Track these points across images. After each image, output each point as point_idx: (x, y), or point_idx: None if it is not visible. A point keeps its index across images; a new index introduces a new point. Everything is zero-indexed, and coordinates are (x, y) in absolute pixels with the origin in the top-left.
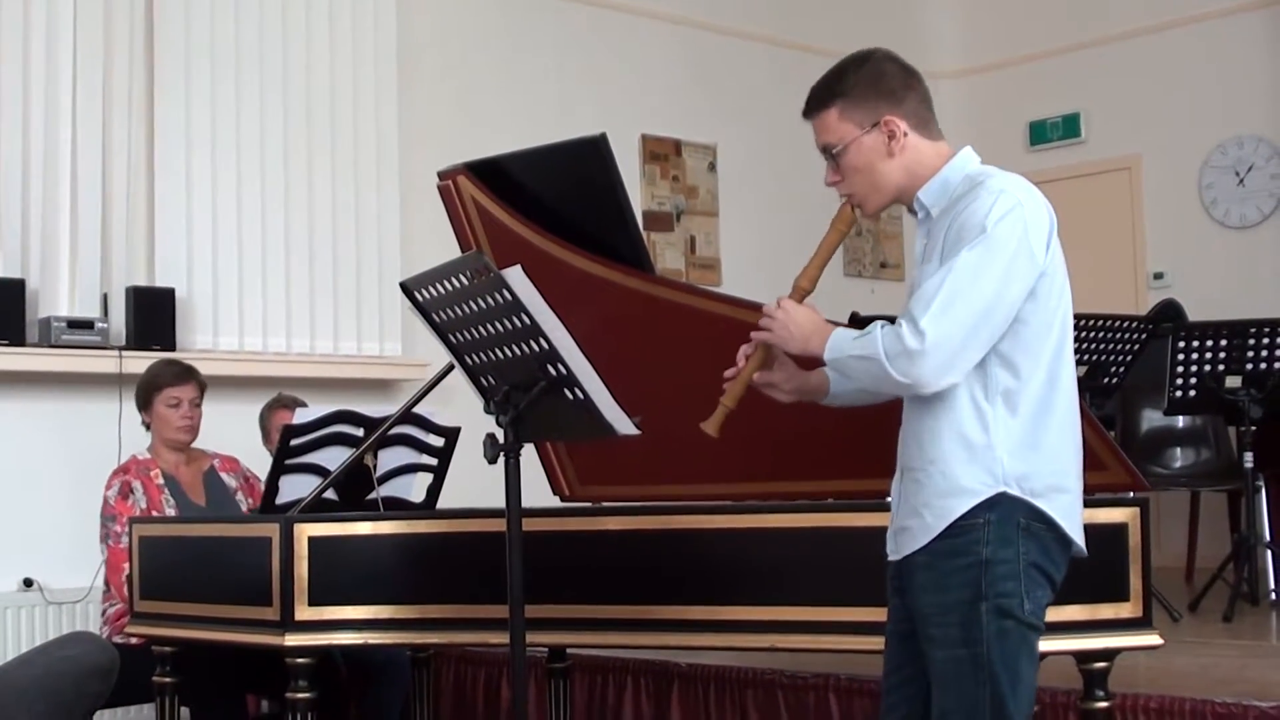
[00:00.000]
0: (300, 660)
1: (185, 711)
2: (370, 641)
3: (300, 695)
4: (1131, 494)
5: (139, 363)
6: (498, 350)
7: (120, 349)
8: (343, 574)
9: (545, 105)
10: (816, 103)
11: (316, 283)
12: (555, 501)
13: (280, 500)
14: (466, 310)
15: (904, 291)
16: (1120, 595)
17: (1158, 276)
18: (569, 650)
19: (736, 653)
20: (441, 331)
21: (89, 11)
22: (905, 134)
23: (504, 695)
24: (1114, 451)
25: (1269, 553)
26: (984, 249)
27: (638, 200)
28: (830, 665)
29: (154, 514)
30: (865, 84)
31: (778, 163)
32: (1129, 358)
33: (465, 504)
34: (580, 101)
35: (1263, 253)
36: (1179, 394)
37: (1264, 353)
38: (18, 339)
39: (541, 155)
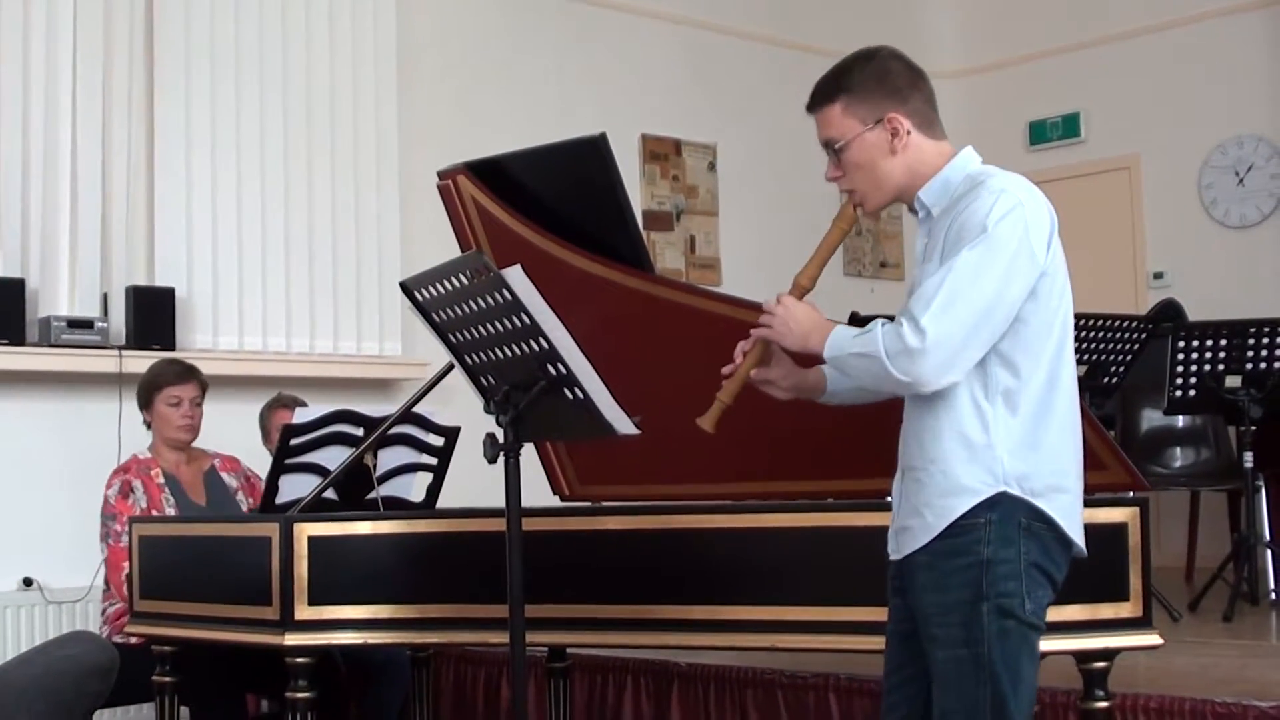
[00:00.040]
0: (300, 660)
1: (185, 711)
2: (370, 641)
3: (300, 695)
4: (1131, 494)
5: (139, 362)
6: (497, 350)
7: (120, 349)
8: (342, 574)
9: (545, 105)
10: (821, 97)
11: (316, 282)
12: (555, 501)
13: (280, 500)
14: (466, 310)
15: (904, 291)
16: (1120, 595)
17: (1157, 276)
18: (569, 650)
19: (736, 652)
20: (441, 331)
21: (89, 11)
22: (908, 132)
23: (504, 695)
24: (1114, 451)
25: (1269, 552)
26: (985, 248)
27: (638, 200)
28: (830, 665)
29: (154, 513)
30: (871, 80)
31: (778, 163)
32: (1129, 357)
33: (465, 504)
34: (580, 101)
35: (1262, 252)
36: (1179, 394)
37: (1264, 352)
38: (18, 338)
39: (541, 155)
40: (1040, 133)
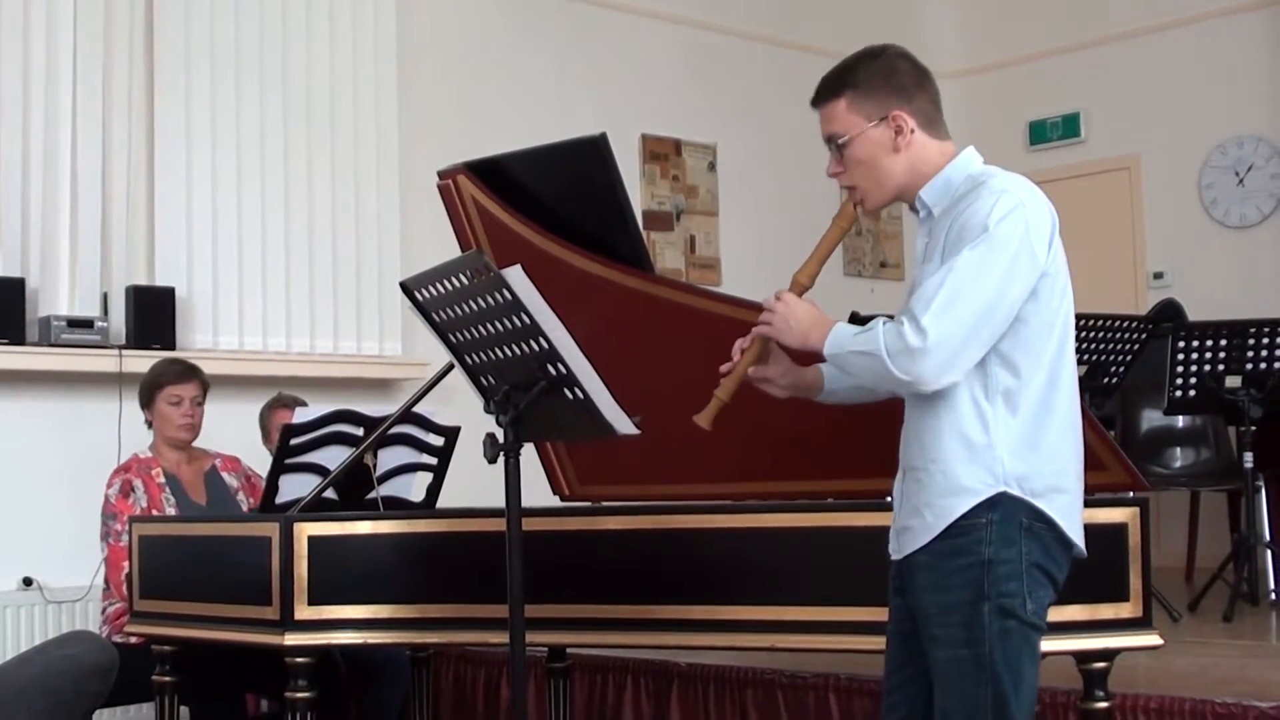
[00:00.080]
0: (300, 660)
1: (185, 711)
2: (370, 641)
3: (300, 695)
4: (1131, 494)
5: (139, 362)
6: (497, 350)
7: (120, 348)
8: (342, 573)
9: (545, 105)
10: (826, 92)
11: (316, 282)
12: (555, 501)
13: (280, 500)
14: (466, 310)
15: (904, 291)
16: (1120, 595)
17: (1157, 276)
18: (569, 650)
19: (736, 652)
20: (441, 331)
21: (89, 11)
22: (912, 131)
23: (504, 695)
24: (1114, 451)
25: (1269, 553)
26: (986, 248)
27: (638, 200)
28: (830, 665)
29: (154, 513)
30: (877, 77)
31: (778, 163)
32: (1129, 357)
33: (465, 504)
34: (580, 101)
35: (1262, 253)
36: (1179, 394)
37: (1264, 352)
38: (18, 338)
39: (541, 155)
40: (1040, 133)
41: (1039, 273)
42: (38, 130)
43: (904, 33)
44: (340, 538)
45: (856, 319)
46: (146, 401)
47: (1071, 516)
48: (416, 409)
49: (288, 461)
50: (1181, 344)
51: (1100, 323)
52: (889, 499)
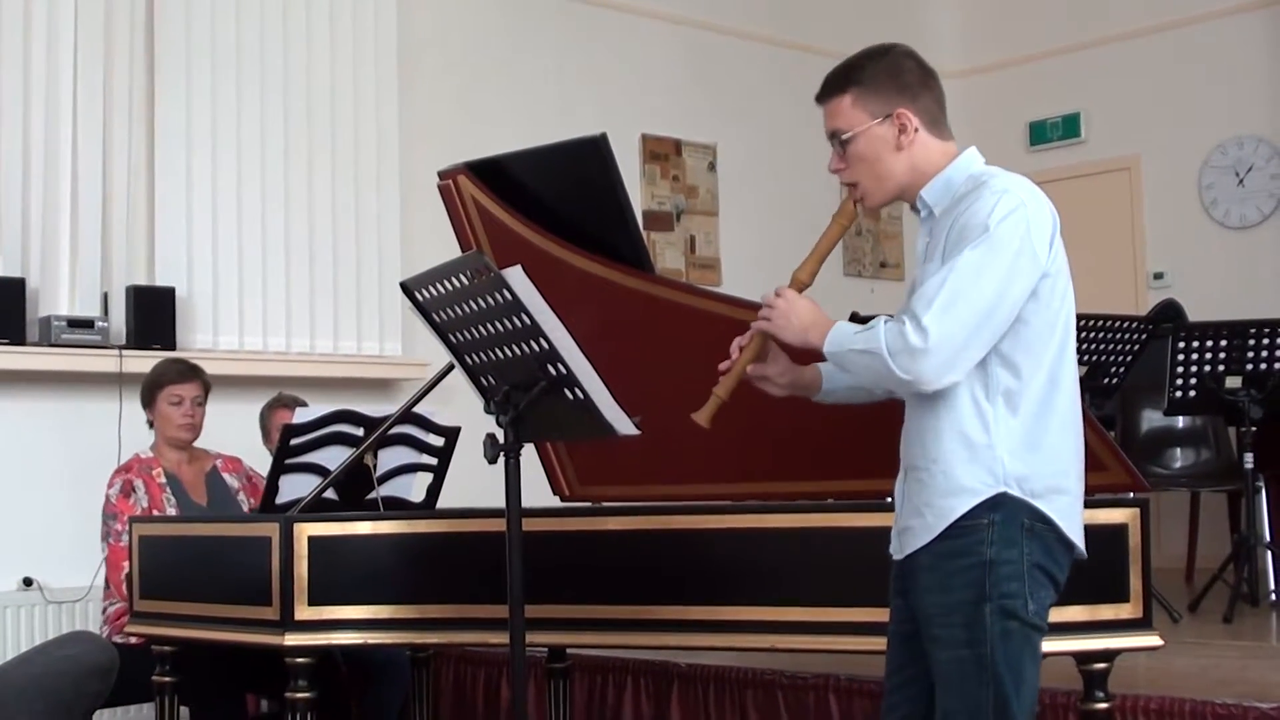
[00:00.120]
0: (300, 660)
1: (185, 711)
2: (370, 641)
3: (300, 695)
4: (1131, 494)
5: (139, 362)
6: (498, 350)
7: (120, 348)
8: (342, 574)
9: (545, 105)
10: (832, 87)
11: (316, 282)
12: (555, 501)
13: (280, 500)
14: (466, 310)
15: (904, 292)
16: (1120, 596)
17: (1158, 277)
18: (569, 650)
19: (736, 653)
20: (441, 331)
21: (89, 11)
22: (916, 130)
23: (504, 695)
24: (1114, 452)
25: (1269, 553)
26: (987, 248)
27: (638, 200)
28: (830, 666)
29: (155, 513)
30: (883, 75)
31: (778, 163)
32: (1129, 358)
33: (465, 504)
34: (580, 101)
35: (1263, 253)
36: (1179, 394)
37: (1264, 353)
38: (18, 338)
39: (542, 155)
40: (1040, 133)
41: (1040, 273)
42: (38, 130)
43: (904, 33)
44: (340, 538)
45: (856, 319)
46: (148, 401)
47: (1071, 517)
48: (417, 409)
49: (288, 461)
50: (1181, 344)
51: (1100, 323)
52: (889, 499)
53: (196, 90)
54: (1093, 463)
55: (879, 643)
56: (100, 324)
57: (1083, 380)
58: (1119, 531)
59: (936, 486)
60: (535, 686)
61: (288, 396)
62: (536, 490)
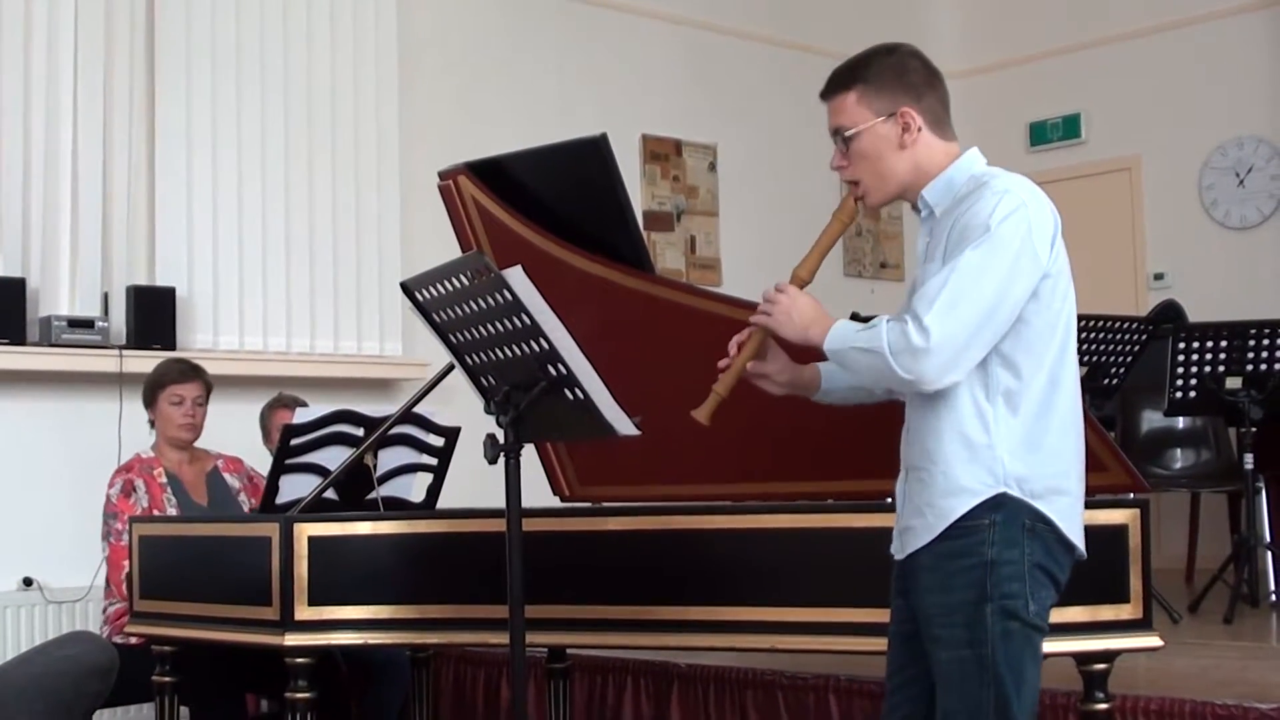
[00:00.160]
0: (300, 660)
1: (185, 711)
2: (370, 641)
3: (300, 695)
4: (1132, 495)
5: (139, 362)
6: (498, 350)
7: (121, 348)
8: (343, 574)
9: (545, 105)
10: (837, 84)
11: (317, 282)
12: (555, 501)
13: (280, 500)
14: (467, 310)
15: (904, 292)
16: (1120, 597)
17: (1158, 277)
18: (569, 650)
19: (736, 653)
20: (442, 331)
21: (90, 11)
22: (919, 129)
23: (504, 695)
24: (1114, 453)
25: (1269, 554)
26: (988, 248)
27: (638, 200)
28: (830, 666)
29: (155, 513)
30: (889, 73)
31: (778, 163)
32: (1129, 359)
33: (465, 504)
34: (580, 101)
35: (1263, 254)
36: (1179, 395)
37: (1264, 354)
38: (18, 338)
39: (542, 155)
40: (1041, 134)
41: (1041, 273)
42: (39, 130)
43: (905, 33)
44: (340, 538)
45: (857, 319)
46: (149, 401)
47: (1071, 518)
48: (417, 409)
49: (288, 462)
50: (1182, 345)
51: (1100, 324)
52: (890, 500)
53: (196, 90)
54: (1093, 463)
55: (879, 643)
56: (100, 324)
57: (1083, 381)
58: (1119, 532)
59: (937, 486)
60: (535, 686)
61: (288, 396)
62: (536, 490)
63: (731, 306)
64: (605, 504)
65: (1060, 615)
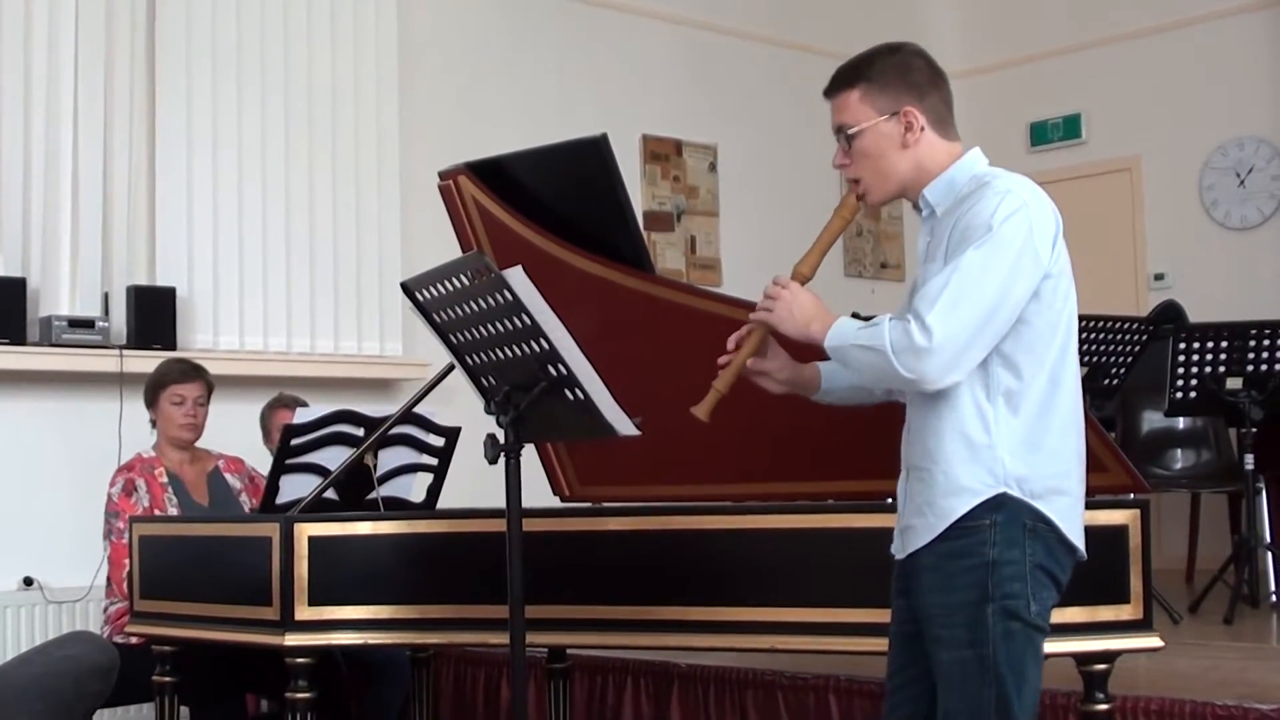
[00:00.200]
0: (300, 660)
1: (185, 711)
2: (370, 641)
3: (300, 695)
4: (1132, 496)
5: (140, 362)
6: (498, 350)
7: (121, 348)
8: (343, 574)
9: (546, 105)
10: (841, 82)
11: (317, 282)
12: (555, 501)
13: (280, 500)
14: (467, 310)
15: (904, 292)
16: (1121, 597)
17: (1158, 278)
18: (569, 650)
19: (737, 654)
20: (442, 332)
21: (90, 11)
22: (922, 128)
23: (504, 695)
24: (1114, 453)
25: (1269, 555)
26: (990, 248)
27: (638, 200)
28: (830, 666)
29: (156, 512)
30: (892, 72)
31: (778, 163)
32: (1129, 359)
33: (465, 504)
34: (580, 101)
35: (1263, 254)
36: (1180, 395)
37: (1265, 354)
38: (18, 338)
39: (542, 155)
40: (1041, 134)
41: (1042, 273)
42: (39, 130)
43: (905, 33)
44: (340, 538)
45: (858, 319)
46: (150, 401)
47: (1071, 519)
48: (417, 409)
49: (288, 462)
50: (1182, 345)
51: (1101, 324)
52: (890, 500)
53: (197, 90)
54: (1093, 464)
55: (879, 643)
56: (101, 324)
57: (1083, 381)
58: (1119, 533)
59: (937, 486)
60: (535, 687)
61: (288, 396)
62: (536, 490)
63: (731, 306)
64: (605, 504)
65: (1061, 615)
